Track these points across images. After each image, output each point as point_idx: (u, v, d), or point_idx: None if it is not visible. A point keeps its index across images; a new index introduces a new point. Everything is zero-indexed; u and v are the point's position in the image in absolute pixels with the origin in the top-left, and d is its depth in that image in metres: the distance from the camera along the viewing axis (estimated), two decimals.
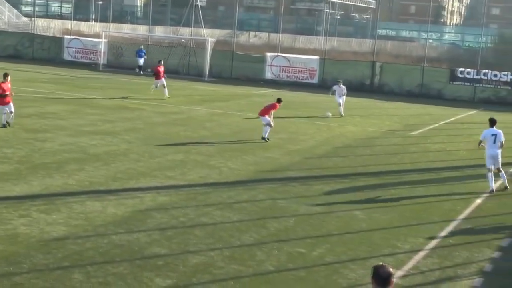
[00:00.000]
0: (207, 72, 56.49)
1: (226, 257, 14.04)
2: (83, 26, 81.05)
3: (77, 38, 64.10)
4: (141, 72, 56.39)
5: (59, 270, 12.66)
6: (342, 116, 37.08)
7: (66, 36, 65.08)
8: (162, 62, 43.89)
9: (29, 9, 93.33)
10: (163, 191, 19.02)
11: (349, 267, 13.81)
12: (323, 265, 13.96)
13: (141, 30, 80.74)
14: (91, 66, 58.98)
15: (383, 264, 7.47)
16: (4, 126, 26.48)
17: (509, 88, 50.72)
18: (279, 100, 28.38)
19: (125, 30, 77.17)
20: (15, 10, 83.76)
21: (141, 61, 57.50)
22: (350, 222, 17.23)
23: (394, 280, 7.36)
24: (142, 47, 59.29)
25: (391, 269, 7.35)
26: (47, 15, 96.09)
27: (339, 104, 37.67)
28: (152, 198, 18.17)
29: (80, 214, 16.26)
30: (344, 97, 37.88)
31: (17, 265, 12.74)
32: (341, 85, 38.10)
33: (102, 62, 59.67)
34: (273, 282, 12.86)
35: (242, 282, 12.74)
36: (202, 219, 16.61)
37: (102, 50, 60.40)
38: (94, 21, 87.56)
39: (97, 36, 63.72)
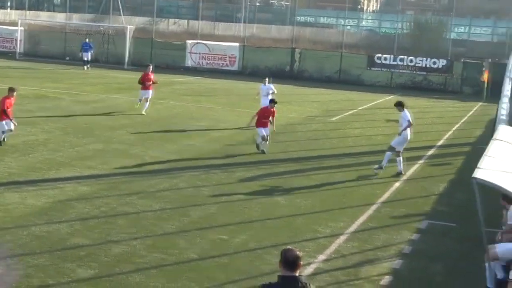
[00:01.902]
0: (126, 60, 55.94)
1: (149, 246, 14.01)
2: None
3: None
4: (88, 68, 51.78)
5: None
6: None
7: None
8: (151, 67, 33.58)
9: None
10: (84, 181, 18.81)
11: (271, 252, 13.95)
12: (246, 252, 14.06)
13: (59, 17, 79.36)
14: (8, 55, 57.66)
15: (291, 247, 7.47)
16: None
17: (425, 73, 51.81)
18: (273, 101, 24.65)
19: (43, 18, 75.71)
20: None
21: (88, 55, 52.46)
22: (272, 208, 17.39)
23: (302, 263, 7.42)
24: (87, 39, 54.08)
25: (298, 253, 7.36)
26: None
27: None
28: (73, 188, 17.96)
29: None
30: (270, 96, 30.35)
31: None
32: (267, 83, 31.59)
33: (19, 50, 58.42)
34: (196, 269, 12.90)
35: (165, 271, 12.74)
36: (124, 209, 16.52)
37: (19, 39, 59.10)
38: (10, 9, 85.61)
39: (14, 24, 62.32)
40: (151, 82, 31.17)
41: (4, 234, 14.08)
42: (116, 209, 16.46)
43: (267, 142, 23.87)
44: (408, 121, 21.80)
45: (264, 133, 23.84)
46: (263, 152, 23.72)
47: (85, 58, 52.00)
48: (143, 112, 30.66)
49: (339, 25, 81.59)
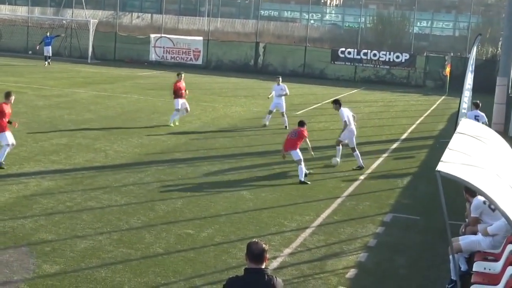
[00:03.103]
0: (90, 54, 55.54)
1: (114, 240, 13.98)
2: None
3: None
4: (49, 63, 49.88)
5: None
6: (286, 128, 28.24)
7: None
8: (183, 75, 29.36)
9: None
10: (48, 176, 18.69)
11: (238, 246, 13.99)
12: (212, 246, 14.09)
13: (21, 11, 78.49)
14: None
15: (256, 240, 7.51)
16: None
17: (388, 67, 52.14)
18: (302, 124, 20.63)
19: (4, 11, 74.78)
20: None
21: (49, 49, 50.30)
22: (238, 202, 17.43)
23: (268, 256, 7.47)
24: (49, 33, 52.21)
25: (264, 245, 7.40)
26: None
27: (283, 114, 29.55)
28: (37, 183, 17.84)
29: None
30: (284, 98, 29.53)
31: None
32: (280, 83, 29.79)
33: None
34: (162, 264, 12.89)
35: (131, 266, 12.72)
36: (89, 203, 16.45)
37: None
38: None
39: None
40: (183, 91, 28.28)
41: None
42: (81, 204, 16.38)
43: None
44: (344, 121, 21.92)
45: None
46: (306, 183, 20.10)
47: (46, 53, 50.20)
48: (173, 123, 27.75)
49: (303, 19, 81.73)
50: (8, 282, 11.61)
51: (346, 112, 22.16)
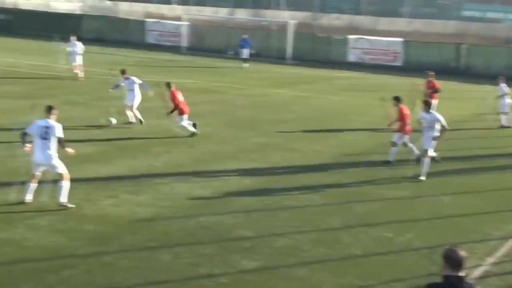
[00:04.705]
0: (288, 55, 56.25)
1: (312, 240, 13.95)
2: (165, 9, 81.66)
3: (159, 21, 64.63)
4: (247, 65, 49.89)
5: (147, 251, 12.78)
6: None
7: (147, 19, 65.65)
8: (433, 74, 29.08)
9: None
10: (247, 173, 19.01)
11: (438, 252, 13.44)
12: (412, 250, 13.72)
13: (222, 13, 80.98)
14: (173, 49, 59.27)
15: (455, 247, 7.22)
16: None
17: None
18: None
19: (206, 12, 77.41)
20: None
21: (246, 52, 50.63)
22: (437, 207, 16.89)
23: (467, 264, 7.15)
24: (245, 36, 52.12)
25: (463, 253, 7.10)
26: None
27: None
28: (237, 181, 18.18)
29: (166, 195, 16.38)
30: None
31: (105, 245, 12.91)
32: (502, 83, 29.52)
33: (184, 45, 60.00)
34: (361, 266, 12.70)
35: (329, 265, 12.62)
36: (286, 202, 16.54)
37: (185, 33, 60.70)
38: (176, 4, 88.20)
39: (179, 19, 64.05)
40: (432, 91, 27.20)
41: (171, 223, 14.42)
42: (279, 202, 16.49)
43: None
44: None
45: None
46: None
47: (244, 55, 50.63)
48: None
49: (507, 20, 78.56)
50: (210, 275, 11.84)
51: None
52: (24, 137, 14.89)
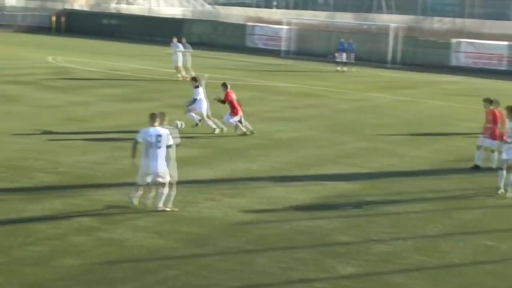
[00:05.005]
0: (389, 59, 55.65)
1: (410, 246, 13.71)
2: (265, 13, 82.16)
3: (260, 25, 65.00)
4: (344, 69, 49.51)
5: (243, 254, 12.83)
6: None
7: (249, 23, 66.11)
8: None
9: None
10: (346, 178, 18.87)
11: None
12: None
13: (322, 16, 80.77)
14: (275, 53, 59.52)
15: None
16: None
17: None
18: None
19: (306, 16, 77.40)
20: None
21: (344, 56, 49.88)
22: None
23: None
24: (343, 39, 51.30)
25: None
26: (230, 2, 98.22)
27: None
28: (335, 185, 18.07)
29: (263, 199, 16.42)
30: None
31: (203, 247, 13.03)
32: None
33: (285, 49, 60.14)
34: (460, 275, 12.39)
35: (428, 273, 12.37)
36: (385, 208, 16.34)
37: (285, 37, 60.84)
38: (276, 8, 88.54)
39: (279, 23, 64.31)
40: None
41: (267, 227, 14.45)
42: (378, 208, 16.31)
43: None
44: None
45: None
46: None
47: (339, 59, 49.97)
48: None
49: None
50: (304, 279, 11.79)
51: None
52: (136, 148, 14.79)
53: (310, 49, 59.49)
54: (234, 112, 23.60)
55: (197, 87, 24.32)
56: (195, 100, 24.17)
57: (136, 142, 14.86)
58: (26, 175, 17.22)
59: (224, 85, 24.03)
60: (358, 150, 22.56)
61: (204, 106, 24.11)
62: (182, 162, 17.74)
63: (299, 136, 24.07)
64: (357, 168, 20.10)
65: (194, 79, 24.98)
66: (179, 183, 14.95)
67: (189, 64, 38.73)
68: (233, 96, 23.83)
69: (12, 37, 65.41)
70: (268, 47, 62.03)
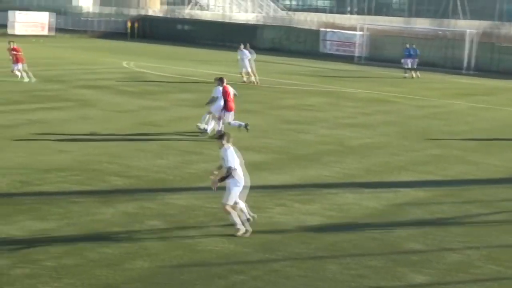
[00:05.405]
0: (465, 65, 54.75)
1: (483, 256, 13.44)
2: (339, 18, 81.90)
3: (333, 31, 64.78)
4: (405, 75, 48.55)
5: (313, 260, 12.77)
6: None
7: (322, 29, 65.95)
8: None
9: (286, 2, 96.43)
10: (419, 185, 18.62)
11: None
12: None
13: (397, 22, 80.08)
14: (348, 59, 59.23)
15: None
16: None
17: None
18: None
19: (381, 22, 76.90)
20: (272, 4, 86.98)
21: (409, 62, 48.84)
22: None
23: None
24: (408, 45, 50.34)
25: None
26: (303, 8, 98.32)
27: None
28: (408, 193, 17.85)
29: (335, 205, 16.32)
30: None
31: (272, 252, 13.02)
32: None
33: (359, 55, 59.80)
34: None
35: (502, 284, 12.12)
36: (458, 216, 16.06)
37: (359, 43, 60.51)
38: (350, 14, 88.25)
39: (353, 28, 63.95)
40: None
41: (339, 233, 14.35)
42: (452, 216, 16.04)
43: None
44: None
45: None
46: None
47: (406, 66, 48.88)
48: None
49: None
50: (375, 287, 11.67)
51: None
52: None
53: (384, 55, 58.95)
54: (228, 108, 23.11)
55: (219, 85, 23.50)
56: (215, 98, 23.49)
57: (233, 170, 13.70)
58: (99, 179, 17.50)
59: (221, 80, 23.42)
60: (431, 157, 22.25)
61: (218, 107, 23.39)
62: (254, 168, 17.81)
63: (371, 143, 23.88)
64: (430, 176, 19.82)
65: (220, 79, 23.87)
66: (250, 188, 14.95)
67: (254, 69, 38.71)
68: (231, 91, 23.41)
69: (88, 42, 66.83)
70: (341, 53, 61.75)
